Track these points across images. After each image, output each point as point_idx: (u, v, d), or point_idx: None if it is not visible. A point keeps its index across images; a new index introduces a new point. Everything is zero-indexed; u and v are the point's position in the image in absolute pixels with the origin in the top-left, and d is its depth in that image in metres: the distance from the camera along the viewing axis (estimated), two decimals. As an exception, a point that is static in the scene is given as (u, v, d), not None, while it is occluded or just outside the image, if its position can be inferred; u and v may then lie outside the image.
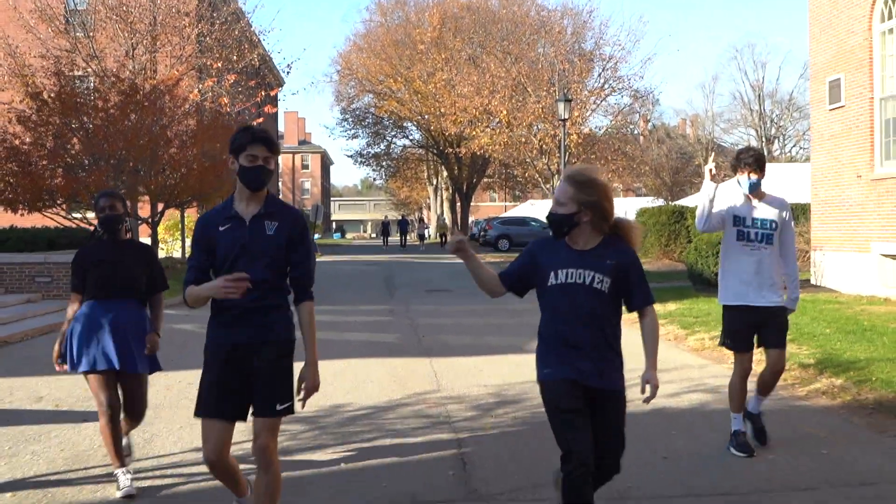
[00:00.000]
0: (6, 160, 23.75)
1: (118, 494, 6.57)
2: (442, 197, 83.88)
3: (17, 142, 24.21)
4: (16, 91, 29.79)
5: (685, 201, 48.34)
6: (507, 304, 20.51)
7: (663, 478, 7.05)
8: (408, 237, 68.68)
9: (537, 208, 67.16)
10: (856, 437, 8.15)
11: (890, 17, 19.34)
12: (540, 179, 48.95)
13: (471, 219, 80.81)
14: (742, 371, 7.73)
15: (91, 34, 34.29)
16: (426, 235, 71.58)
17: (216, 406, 5.19)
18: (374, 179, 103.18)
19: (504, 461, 7.46)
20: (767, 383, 7.82)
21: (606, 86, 48.55)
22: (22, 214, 24.64)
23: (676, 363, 12.17)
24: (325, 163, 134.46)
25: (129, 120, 23.95)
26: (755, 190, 7.65)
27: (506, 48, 51.07)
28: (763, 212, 7.64)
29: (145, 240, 28.67)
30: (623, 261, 5.20)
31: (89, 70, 33.37)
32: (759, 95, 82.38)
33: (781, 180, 31.11)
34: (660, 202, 64.42)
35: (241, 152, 5.24)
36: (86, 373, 6.82)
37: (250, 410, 5.28)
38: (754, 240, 7.59)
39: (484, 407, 9.60)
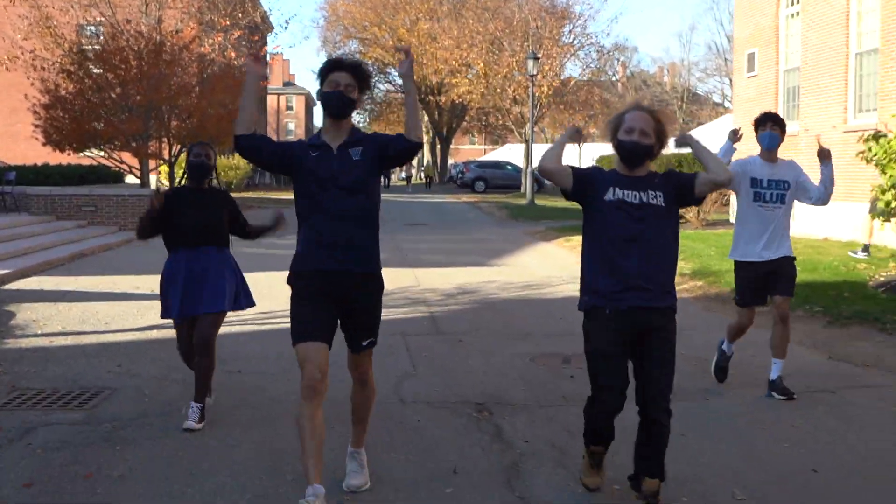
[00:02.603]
0: (54, 107, 27.90)
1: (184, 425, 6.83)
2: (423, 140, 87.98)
3: (63, 91, 28.31)
4: (39, 40, 33.80)
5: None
6: (473, 233, 25.20)
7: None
8: (390, 179, 72.48)
9: (514, 152, 70.98)
10: (695, 318, 12.29)
11: (794, 4, 23.61)
12: (513, 126, 53.14)
13: (450, 161, 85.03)
14: (740, 324, 8.30)
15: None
16: (412, 176, 75.74)
17: (314, 328, 5.14)
18: (358, 122, 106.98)
19: (458, 320, 11.84)
20: (779, 338, 8.00)
21: (576, 41, 52.69)
22: (69, 154, 28.93)
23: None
24: (309, 104, 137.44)
25: (158, 72, 28.05)
26: (774, 144, 7.93)
27: (483, 4, 55.15)
28: (778, 173, 7.95)
29: (164, 180, 32.95)
30: (670, 175, 5.31)
31: (103, 21, 37.31)
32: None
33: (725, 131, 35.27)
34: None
35: (324, 79, 5.29)
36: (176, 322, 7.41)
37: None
38: (769, 200, 7.90)
39: (449, 294, 14.00)
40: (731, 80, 27.83)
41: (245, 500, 5.41)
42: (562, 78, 51.57)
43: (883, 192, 13.21)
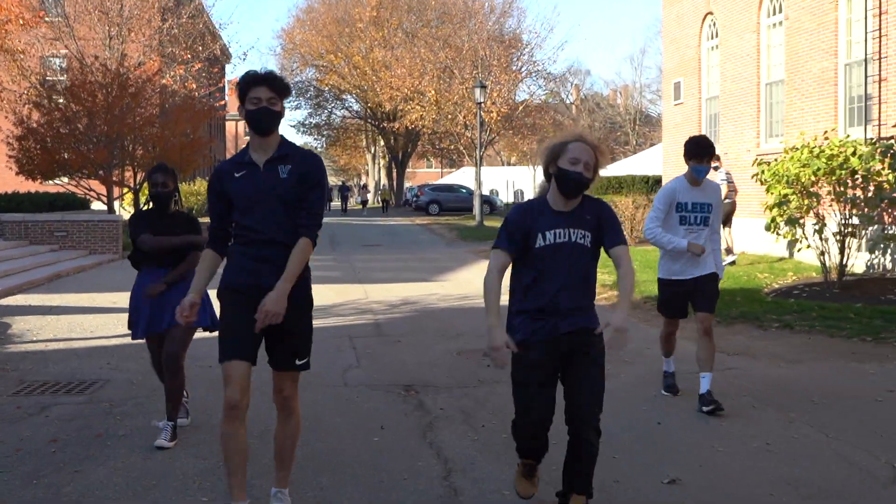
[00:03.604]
0: (26, 139, 29.46)
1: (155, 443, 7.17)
2: (379, 164, 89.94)
3: (34, 123, 29.87)
4: (5, 73, 35.41)
5: (608, 170, 54.40)
6: (422, 253, 26.96)
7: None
8: (348, 203, 74.19)
9: (469, 175, 72.96)
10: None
11: (714, 37, 25.67)
12: (464, 151, 55.09)
13: (406, 184, 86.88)
14: (668, 331, 8.80)
15: (71, 24, 39.72)
16: (367, 201, 77.47)
17: (238, 347, 5.20)
18: (316, 147, 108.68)
19: (400, 325, 13.58)
20: (703, 354, 8.24)
21: (524, 69, 54.77)
22: (41, 182, 30.54)
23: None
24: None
25: (123, 105, 29.67)
26: (703, 176, 8.26)
27: (434, 34, 57.22)
28: (701, 196, 8.25)
29: (128, 206, 34.46)
30: (599, 212, 5.31)
31: (68, 53, 38.93)
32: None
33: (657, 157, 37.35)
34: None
35: (245, 97, 5.23)
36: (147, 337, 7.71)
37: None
38: (693, 223, 8.22)
39: (393, 304, 15.74)
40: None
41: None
42: (515, 102, 53.60)
43: (769, 208, 15.08)
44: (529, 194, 69.99)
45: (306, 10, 79.25)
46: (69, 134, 29.60)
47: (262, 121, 5.22)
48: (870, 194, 14.38)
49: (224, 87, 43.06)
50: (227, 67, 55.38)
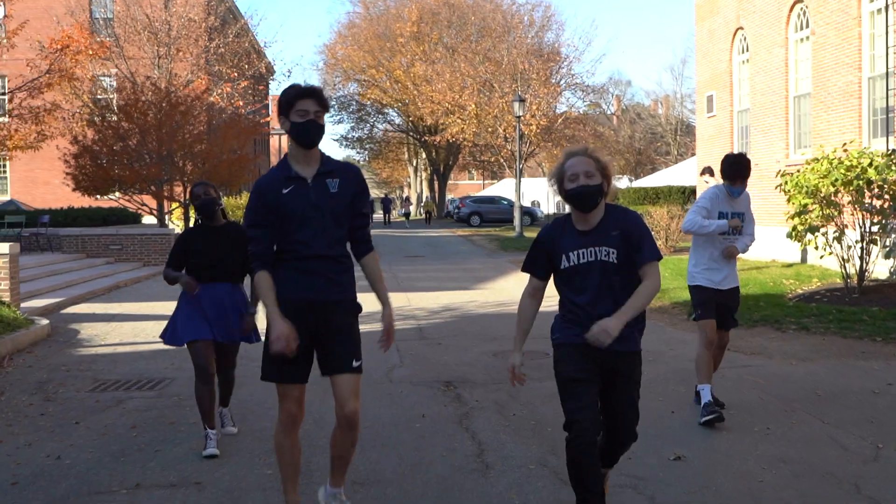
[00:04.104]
0: (82, 156, 30.73)
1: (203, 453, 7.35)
2: (421, 177, 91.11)
3: (88, 142, 31.13)
4: (59, 92, 36.72)
5: (646, 181, 55.13)
6: (463, 263, 27.83)
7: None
8: (390, 214, 75.21)
9: (510, 187, 73.91)
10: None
11: (744, 51, 26.40)
12: (505, 164, 55.97)
13: (448, 196, 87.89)
14: (707, 341, 8.47)
15: (122, 44, 41.14)
16: (410, 213, 78.57)
17: (290, 371, 5.33)
18: (358, 161, 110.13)
19: (441, 329, 14.46)
20: (715, 358, 8.71)
21: (563, 82, 55.61)
22: (94, 198, 31.84)
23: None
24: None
25: (173, 123, 30.86)
26: (737, 195, 8.52)
27: (474, 48, 58.21)
28: (737, 206, 8.57)
29: (176, 220, 35.68)
30: (625, 226, 5.30)
31: (117, 73, 40.32)
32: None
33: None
34: (624, 180, 71.63)
35: (291, 109, 5.23)
36: (189, 343, 7.58)
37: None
38: (731, 232, 8.53)
39: (435, 311, 16.63)
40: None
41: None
42: (556, 114, 54.44)
43: (791, 217, 15.81)
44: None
45: (348, 25, 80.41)
46: (122, 151, 30.83)
47: (310, 133, 5.23)
48: (885, 204, 15.08)
49: (268, 103, 44.60)
50: (272, 84, 56.50)
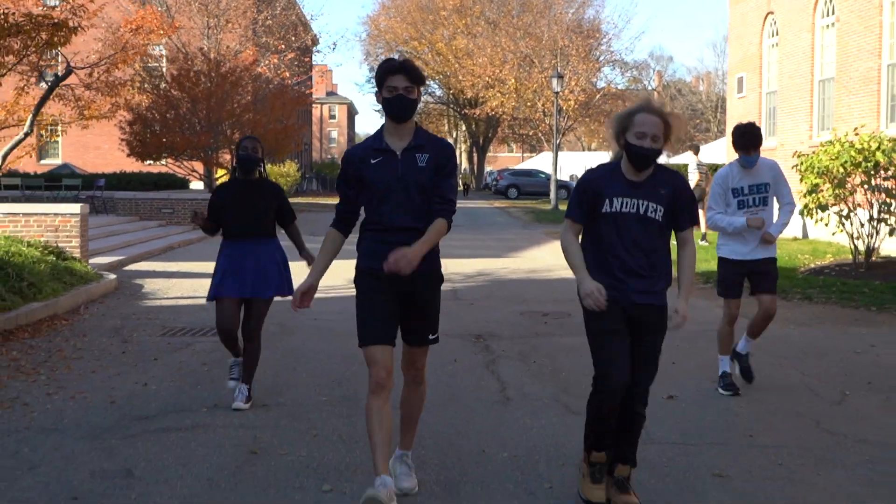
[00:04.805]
0: (136, 123, 32.21)
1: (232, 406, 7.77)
2: (461, 148, 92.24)
3: (143, 110, 32.61)
4: (114, 64, 38.21)
5: (680, 158, 55.91)
6: (498, 234, 29.02)
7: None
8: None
9: (549, 160, 74.98)
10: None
11: (774, 35, 27.36)
12: (543, 138, 57.08)
13: (487, 168, 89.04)
14: (730, 316, 8.56)
15: (172, 14, 42.50)
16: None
17: (380, 331, 5.31)
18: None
19: (474, 291, 15.68)
20: (758, 326, 8.61)
21: (602, 59, 56.57)
22: (149, 164, 33.38)
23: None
24: (351, 113, 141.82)
25: (223, 92, 32.24)
26: (753, 164, 8.27)
27: (516, 24, 59.21)
28: (756, 178, 8.32)
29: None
30: (675, 188, 5.38)
31: (168, 43, 41.72)
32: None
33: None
34: (662, 157, 72.18)
35: (383, 84, 5.30)
36: (217, 300, 7.87)
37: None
38: (753, 205, 8.30)
39: (469, 275, 17.87)
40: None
41: (335, 387, 9.31)
42: (594, 90, 55.43)
43: (804, 195, 16.87)
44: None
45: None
46: (174, 119, 32.28)
47: (398, 108, 5.29)
48: (893, 185, 16.13)
49: (311, 74, 46.19)
50: (316, 56, 57.81)
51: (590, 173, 5.57)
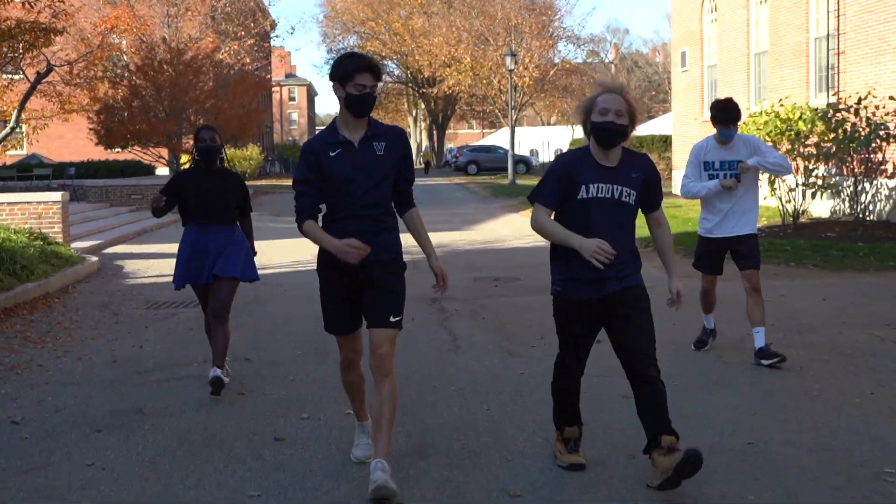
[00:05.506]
0: (103, 113, 33.23)
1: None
2: (421, 126, 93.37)
3: (110, 100, 33.63)
4: (73, 50, 39.13)
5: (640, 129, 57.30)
6: (457, 209, 30.29)
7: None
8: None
9: (507, 136, 76.31)
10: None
11: (713, 11, 28.75)
12: (499, 115, 58.40)
13: (447, 145, 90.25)
14: (705, 287, 9.01)
15: (133, 4, 43.39)
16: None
17: (343, 321, 5.66)
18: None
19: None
20: (755, 310, 8.61)
21: (554, 34, 57.90)
22: (118, 151, 34.47)
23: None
24: (311, 94, 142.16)
25: (186, 81, 33.32)
26: (729, 138, 8.34)
27: (470, 3, 60.42)
28: (729, 155, 8.38)
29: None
30: (646, 171, 5.51)
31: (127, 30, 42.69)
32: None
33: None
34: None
35: (349, 81, 5.34)
36: (192, 284, 8.12)
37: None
38: (731, 187, 8.30)
39: (427, 247, 19.12)
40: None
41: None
42: (549, 66, 56.74)
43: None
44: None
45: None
46: (140, 108, 33.34)
47: (366, 105, 5.41)
48: (812, 151, 17.55)
49: (270, 59, 47.50)
50: (275, 41, 58.82)
51: (562, 158, 5.66)
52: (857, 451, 6.05)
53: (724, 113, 8.30)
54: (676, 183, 31.28)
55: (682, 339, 9.51)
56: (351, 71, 5.34)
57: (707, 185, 8.38)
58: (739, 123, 8.62)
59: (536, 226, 5.56)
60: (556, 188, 5.47)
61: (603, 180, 5.36)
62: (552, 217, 5.55)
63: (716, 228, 8.56)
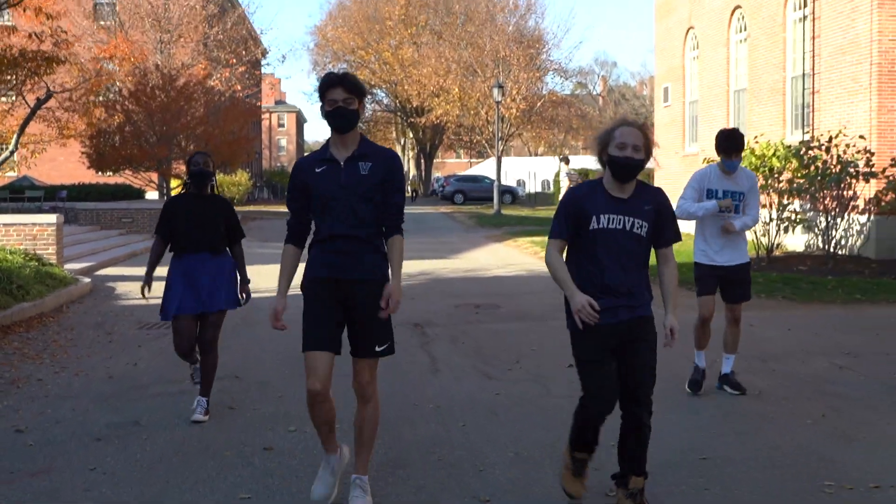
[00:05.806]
0: (97, 137, 33.76)
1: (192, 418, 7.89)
2: (409, 155, 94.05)
3: (103, 125, 34.17)
4: (67, 75, 39.69)
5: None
6: (442, 237, 30.81)
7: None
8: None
9: (494, 167, 76.97)
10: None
11: (695, 48, 29.43)
12: (487, 145, 59.06)
13: (435, 174, 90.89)
14: (701, 316, 8.86)
15: (126, 30, 43.98)
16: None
17: (321, 336, 5.53)
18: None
19: (416, 288, 17.43)
20: (730, 339, 9.00)
21: (542, 67, 58.67)
22: (109, 175, 34.97)
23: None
24: (300, 121, 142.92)
25: (178, 107, 33.87)
26: (734, 169, 8.48)
27: (459, 34, 61.22)
28: (732, 185, 8.48)
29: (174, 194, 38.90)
30: (659, 204, 5.48)
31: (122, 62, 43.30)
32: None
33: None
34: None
35: (324, 98, 5.41)
36: (174, 317, 8.03)
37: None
38: (725, 211, 8.42)
39: (412, 274, 19.59)
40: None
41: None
42: (536, 98, 57.44)
43: (710, 198, 18.83)
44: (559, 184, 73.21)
45: (338, 6, 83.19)
46: (132, 132, 33.89)
47: (338, 119, 5.40)
48: (784, 186, 18.15)
49: (262, 86, 48.28)
50: (266, 69, 59.62)
51: (572, 192, 5.63)
52: (803, 467, 6.58)
53: (728, 142, 8.43)
54: (658, 215, 31.87)
55: (659, 369, 9.98)
56: (324, 88, 5.43)
57: (705, 206, 8.40)
58: (713, 158, 8.85)
59: (546, 262, 5.58)
60: (566, 220, 5.48)
61: (615, 211, 5.38)
62: (563, 251, 5.57)
63: (717, 256, 8.61)
